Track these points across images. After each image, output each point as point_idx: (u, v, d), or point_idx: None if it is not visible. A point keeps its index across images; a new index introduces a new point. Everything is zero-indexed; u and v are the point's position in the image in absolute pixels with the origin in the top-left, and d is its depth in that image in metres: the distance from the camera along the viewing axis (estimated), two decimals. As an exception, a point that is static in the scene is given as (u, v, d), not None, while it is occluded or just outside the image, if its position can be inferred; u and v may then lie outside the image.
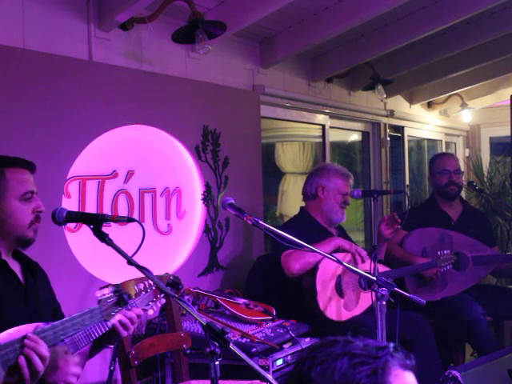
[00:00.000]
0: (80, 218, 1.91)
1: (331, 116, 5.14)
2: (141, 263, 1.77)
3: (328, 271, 3.31)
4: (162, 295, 2.06)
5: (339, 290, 3.34)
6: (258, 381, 2.57)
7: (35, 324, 1.83)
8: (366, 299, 3.43)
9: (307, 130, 5.31)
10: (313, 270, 3.29)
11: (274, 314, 3.26)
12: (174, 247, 3.61)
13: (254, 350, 2.82)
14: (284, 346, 3.02)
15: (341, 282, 3.35)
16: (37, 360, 1.64)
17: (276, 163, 5.26)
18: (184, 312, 3.02)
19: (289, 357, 2.96)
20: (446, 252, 3.86)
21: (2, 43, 2.73)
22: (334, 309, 3.30)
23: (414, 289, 3.81)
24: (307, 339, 3.14)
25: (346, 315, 3.34)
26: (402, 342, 2.90)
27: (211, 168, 3.77)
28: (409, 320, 3.28)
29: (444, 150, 6.63)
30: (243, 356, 1.60)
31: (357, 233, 5.68)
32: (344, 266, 2.56)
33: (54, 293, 2.26)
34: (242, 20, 3.52)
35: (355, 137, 5.93)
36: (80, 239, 3.02)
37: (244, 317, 3.16)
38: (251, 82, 4.23)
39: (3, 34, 2.76)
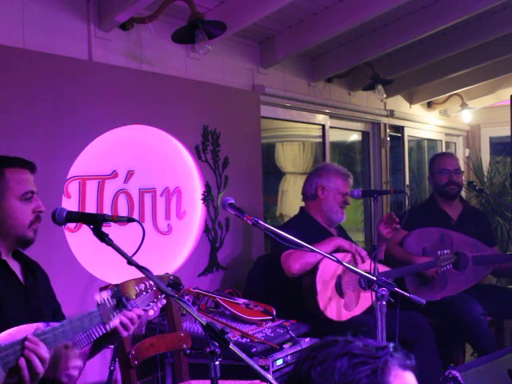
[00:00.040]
0: (80, 218, 1.92)
1: (331, 116, 5.14)
2: (141, 263, 1.77)
3: (328, 271, 3.31)
4: (163, 296, 2.06)
5: (339, 290, 3.34)
6: (258, 381, 2.57)
7: (35, 324, 1.83)
8: (366, 299, 3.43)
9: (307, 130, 5.31)
10: (313, 270, 3.29)
11: (274, 313, 3.26)
12: (174, 247, 3.61)
13: (254, 349, 2.82)
14: (284, 346, 3.02)
15: (341, 282, 3.35)
16: (37, 362, 1.64)
17: (276, 163, 5.26)
18: (184, 312, 3.03)
19: (289, 357, 2.96)
20: (446, 252, 3.86)
21: (2, 43, 2.72)
22: (334, 309, 3.30)
23: (414, 289, 3.81)
24: (307, 339, 3.13)
25: (346, 315, 3.34)
26: (402, 342, 2.90)
27: (211, 168, 3.77)
28: (409, 320, 3.28)
29: (444, 150, 6.63)
30: (243, 356, 1.60)
31: (357, 233, 5.68)
32: (344, 265, 2.56)
33: (54, 293, 2.26)
34: (242, 20, 3.52)
35: (355, 137, 5.93)
36: (80, 239, 3.02)
37: (244, 317, 3.16)
38: (251, 82, 4.23)
39: (3, 34, 2.76)
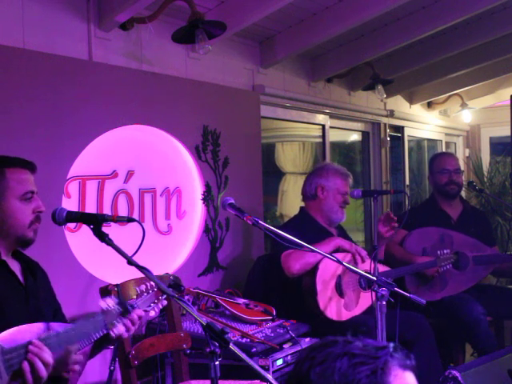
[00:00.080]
0: (80, 218, 1.92)
1: (331, 116, 5.14)
2: (141, 263, 1.77)
3: (328, 271, 3.31)
4: (164, 297, 2.06)
5: (339, 290, 3.34)
6: (258, 381, 2.57)
7: (35, 324, 1.83)
8: (366, 299, 3.43)
9: (307, 130, 5.31)
10: (313, 270, 3.29)
11: (274, 314, 3.26)
12: (174, 247, 3.61)
13: (254, 350, 2.82)
14: (284, 346, 3.02)
15: (341, 282, 3.35)
16: (40, 366, 1.65)
17: (276, 163, 5.26)
18: (184, 312, 3.03)
19: (289, 357, 2.96)
20: (445, 251, 3.86)
21: (2, 43, 2.73)
22: (334, 309, 3.30)
23: (415, 289, 3.81)
24: (307, 339, 3.13)
25: (346, 315, 3.34)
26: (402, 342, 2.90)
27: (211, 168, 3.77)
28: (409, 320, 3.28)
29: (444, 150, 6.63)
30: (243, 356, 1.60)
31: (357, 233, 5.68)
32: (344, 265, 2.56)
33: (55, 293, 2.26)
34: (242, 20, 3.52)
35: (355, 137, 5.93)
36: (80, 239, 3.02)
37: (244, 317, 3.16)
38: (251, 82, 4.23)
39: (3, 34, 2.76)
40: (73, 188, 3.05)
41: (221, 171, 3.83)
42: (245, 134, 4.05)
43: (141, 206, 3.40)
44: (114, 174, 3.26)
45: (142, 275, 1.79)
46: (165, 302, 2.07)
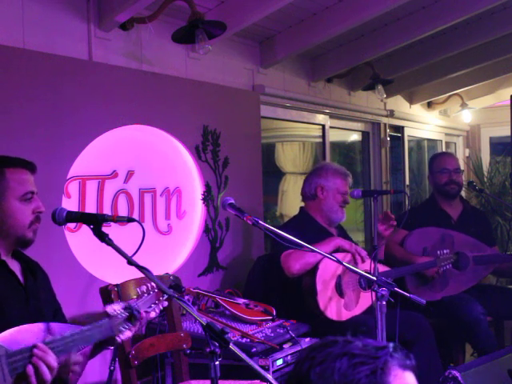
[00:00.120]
0: (80, 218, 1.92)
1: (331, 116, 5.14)
2: (141, 263, 1.77)
3: (328, 271, 3.31)
4: (165, 298, 2.05)
5: (339, 290, 3.34)
6: (258, 381, 2.57)
7: (36, 324, 1.83)
8: (365, 299, 3.43)
9: (307, 130, 5.31)
10: (313, 270, 3.29)
11: (274, 314, 3.26)
12: (174, 247, 3.61)
13: (254, 349, 2.81)
14: (284, 346, 3.02)
15: (341, 282, 3.35)
16: (44, 369, 1.64)
17: (276, 163, 5.26)
18: (184, 312, 3.03)
19: (289, 357, 2.96)
20: (445, 251, 3.86)
21: (2, 43, 2.73)
22: (334, 309, 3.30)
23: (415, 288, 3.81)
24: (307, 339, 3.13)
25: (346, 315, 3.34)
26: (402, 341, 2.90)
27: (211, 168, 3.77)
28: (409, 320, 3.28)
29: (444, 150, 6.63)
30: (243, 356, 1.60)
31: (357, 233, 5.68)
32: (344, 265, 2.56)
33: (55, 293, 2.26)
34: (242, 20, 3.52)
35: (355, 137, 5.93)
36: (80, 239, 3.02)
37: (244, 317, 3.16)
38: (251, 82, 4.23)
39: (3, 34, 2.76)
40: (73, 188, 3.05)
41: (221, 171, 3.83)
42: (245, 134, 4.05)
43: (141, 206, 3.40)
44: (113, 174, 3.26)
45: (142, 275, 1.79)
46: (165, 303, 2.07)
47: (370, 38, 4.42)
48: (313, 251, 2.55)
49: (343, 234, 3.78)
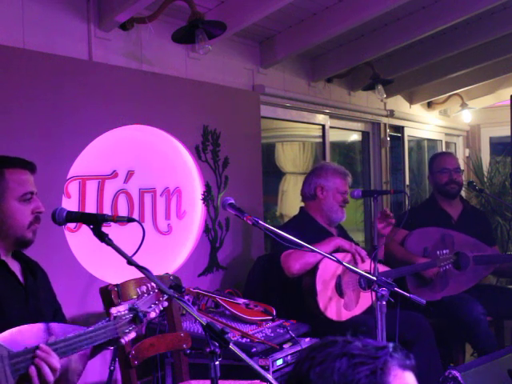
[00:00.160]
0: (80, 218, 1.91)
1: (331, 116, 5.14)
2: (141, 263, 1.77)
3: (328, 271, 3.31)
4: (165, 298, 2.05)
5: (339, 290, 3.34)
6: (258, 381, 2.57)
7: (36, 324, 1.83)
8: (365, 299, 3.43)
9: (307, 130, 5.31)
10: (313, 270, 3.29)
11: (274, 314, 3.26)
12: (174, 247, 3.61)
13: (254, 349, 2.81)
14: (284, 346, 3.02)
15: (341, 282, 3.35)
16: (47, 371, 1.64)
17: (276, 163, 5.26)
18: (184, 312, 3.02)
19: (289, 357, 2.96)
20: (444, 252, 3.86)
21: (2, 43, 2.73)
22: (334, 309, 3.30)
23: (415, 288, 3.81)
24: (307, 339, 3.13)
25: (345, 315, 3.34)
26: (402, 342, 2.90)
27: (211, 168, 3.77)
28: (409, 320, 3.28)
29: (444, 150, 6.63)
30: (243, 356, 1.60)
31: (357, 233, 5.68)
32: (344, 265, 2.56)
33: (55, 293, 2.26)
34: (242, 20, 3.52)
35: (355, 137, 5.93)
36: (80, 239, 3.02)
37: (244, 317, 3.16)
38: (251, 82, 4.23)
39: (3, 34, 2.76)
40: (73, 188, 3.05)
41: (221, 171, 3.83)
42: (245, 134, 4.05)
43: (141, 205, 3.40)
44: (113, 174, 3.26)
45: (142, 275, 1.79)
46: (165, 303, 2.07)
47: (369, 38, 4.42)
48: (313, 251, 2.55)
49: (343, 233, 3.78)
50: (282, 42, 4.13)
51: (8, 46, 2.74)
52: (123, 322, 1.88)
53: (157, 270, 2.40)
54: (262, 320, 3.18)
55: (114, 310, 1.87)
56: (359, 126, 5.66)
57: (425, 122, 6.46)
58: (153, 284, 2.01)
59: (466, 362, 3.91)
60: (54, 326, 1.87)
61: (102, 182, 3.19)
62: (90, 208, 3.13)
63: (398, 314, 2.72)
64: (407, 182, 6.10)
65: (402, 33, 4.25)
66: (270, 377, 1.63)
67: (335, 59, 4.68)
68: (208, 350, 1.55)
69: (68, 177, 3.00)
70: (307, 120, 4.96)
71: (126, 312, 1.89)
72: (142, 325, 1.96)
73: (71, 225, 2.99)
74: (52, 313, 2.17)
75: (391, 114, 5.73)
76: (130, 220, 1.96)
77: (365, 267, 3.22)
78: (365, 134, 5.78)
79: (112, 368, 2.70)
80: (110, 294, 2.46)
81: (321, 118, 5.05)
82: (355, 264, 3.33)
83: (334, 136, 5.37)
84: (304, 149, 5.44)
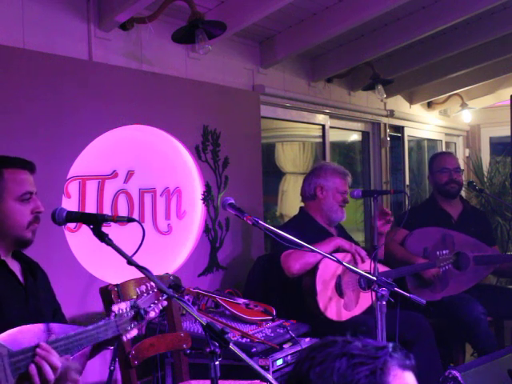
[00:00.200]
0: (80, 218, 1.91)
1: (331, 116, 5.14)
2: (141, 263, 1.77)
3: (328, 271, 3.31)
4: (164, 297, 2.05)
5: (339, 290, 3.34)
6: (258, 381, 2.57)
7: (36, 324, 1.83)
8: (365, 299, 3.43)
9: (307, 130, 5.31)
10: (313, 270, 3.28)
11: (274, 314, 3.26)
12: (174, 247, 3.61)
13: (254, 349, 2.81)
14: (284, 346, 3.02)
15: (341, 282, 3.35)
16: (48, 369, 1.64)
17: (276, 163, 5.26)
18: (184, 312, 3.02)
19: (289, 357, 2.96)
20: (444, 252, 3.86)
21: (2, 43, 2.73)
22: (334, 309, 3.30)
23: (415, 288, 3.81)
24: (307, 339, 3.13)
25: (345, 315, 3.34)
26: (402, 342, 2.90)
27: (211, 168, 3.77)
28: (409, 320, 3.28)
29: (444, 150, 6.63)
30: (243, 356, 1.60)
31: (357, 233, 5.68)
32: (344, 265, 2.56)
33: (54, 293, 2.26)
34: (242, 20, 3.52)
35: (355, 137, 5.93)
36: (80, 239, 3.03)
37: (244, 317, 3.16)
38: (251, 82, 4.23)
39: (3, 34, 2.76)
40: (73, 188, 3.06)
41: (221, 171, 3.83)
42: (245, 134, 4.05)
43: (141, 206, 3.40)
44: (113, 174, 3.26)
45: (142, 275, 1.79)
46: (165, 303, 2.07)
47: (370, 38, 4.42)
48: (313, 251, 2.55)
49: (343, 233, 3.78)
50: (282, 42, 4.13)
51: (8, 45, 2.74)
52: (125, 319, 1.88)
53: (157, 270, 2.40)
54: (262, 320, 3.18)
55: (115, 308, 1.87)
56: (359, 126, 5.66)
57: (425, 122, 6.46)
58: (152, 283, 2.01)
59: (466, 361, 3.91)
60: (55, 326, 1.87)
61: (102, 182, 3.19)
62: (90, 208, 3.13)
63: (398, 314, 2.71)
64: (407, 182, 6.10)
65: (401, 33, 4.25)
66: (270, 377, 1.63)
67: (335, 59, 4.68)
68: (208, 350, 1.55)
69: (68, 177, 3.01)
70: (307, 120, 4.96)
71: (128, 309, 1.89)
72: (143, 322, 1.96)
73: (71, 225, 2.99)
74: (52, 313, 2.17)
75: (391, 114, 5.73)
76: (129, 220, 1.96)
77: (365, 267, 3.22)
78: (365, 134, 5.78)
79: (112, 368, 2.70)
80: (110, 294, 2.46)
81: (321, 118, 5.05)
82: (355, 264, 3.33)
83: (333, 136, 5.37)
84: (304, 149, 5.44)
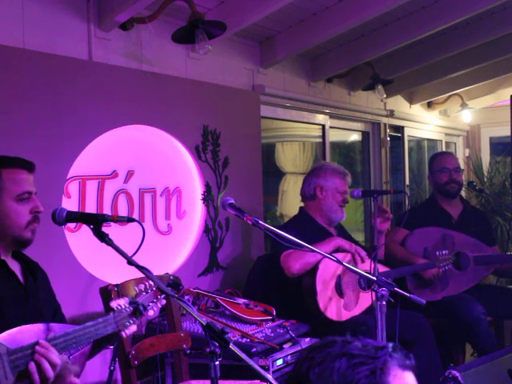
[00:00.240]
0: (80, 218, 1.91)
1: (331, 116, 5.14)
2: (141, 263, 1.77)
3: (328, 271, 3.31)
4: (163, 296, 2.05)
5: (339, 290, 3.34)
6: (258, 381, 2.57)
7: (37, 324, 1.83)
8: (365, 299, 3.43)
9: (307, 130, 5.31)
10: (313, 270, 3.29)
11: (274, 314, 3.26)
12: (174, 247, 3.61)
13: (254, 349, 2.82)
14: (284, 346, 3.02)
15: (341, 282, 3.35)
16: (47, 366, 1.64)
17: (276, 163, 5.26)
18: (184, 312, 3.03)
19: (289, 357, 2.96)
20: (444, 252, 3.86)
21: (2, 43, 2.73)
22: (334, 309, 3.30)
23: (415, 288, 3.81)
24: (307, 339, 3.13)
25: (345, 315, 3.34)
26: (402, 341, 2.90)
27: (211, 168, 3.77)
28: (409, 320, 3.28)
29: (444, 150, 6.63)
30: (243, 356, 1.60)
31: (357, 233, 5.68)
32: (344, 265, 2.55)
33: (54, 293, 2.26)
34: (242, 20, 3.52)
35: (355, 137, 5.93)
36: (80, 239, 3.03)
37: (244, 317, 3.16)
38: (251, 82, 4.23)
39: (3, 34, 2.76)
40: (73, 188, 3.06)
41: (221, 171, 3.83)
42: (245, 134, 4.05)
43: (141, 205, 3.40)
44: (113, 174, 3.26)
45: (142, 275, 1.79)
46: (163, 302, 2.07)
47: (370, 38, 4.42)
48: (313, 251, 2.55)
49: (343, 233, 3.78)
50: (282, 42, 4.13)
51: (8, 45, 2.74)
52: (124, 314, 1.88)
53: (157, 270, 2.39)
54: (262, 320, 3.18)
55: (114, 303, 1.88)
56: (359, 126, 5.66)
57: (425, 122, 6.46)
58: (151, 282, 2.01)
59: (466, 362, 3.91)
60: (55, 326, 1.87)
61: (102, 182, 3.19)
62: (90, 208, 3.13)
63: (398, 314, 2.72)
64: (407, 182, 6.10)
65: (401, 33, 4.25)
66: (269, 377, 1.63)
67: (335, 59, 4.68)
68: (208, 350, 1.55)
69: (68, 177, 3.01)
70: (307, 120, 4.96)
71: (127, 305, 1.89)
72: (142, 318, 1.96)
73: (71, 225, 2.99)
74: (51, 313, 2.17)
75: (391, 114, 5.73)
76: (129, 220, 1.96)
77: (365, 267, 3.22)
78: (365, 134, 5.78)
79: (112, 368, 2.70)
80: (110, 294, 2.46)
81: (321, 118, 5.05)
82: (355, 264, 3.33)
83: (333, 136, 5.37)
84: (304, 149, 5.44)
